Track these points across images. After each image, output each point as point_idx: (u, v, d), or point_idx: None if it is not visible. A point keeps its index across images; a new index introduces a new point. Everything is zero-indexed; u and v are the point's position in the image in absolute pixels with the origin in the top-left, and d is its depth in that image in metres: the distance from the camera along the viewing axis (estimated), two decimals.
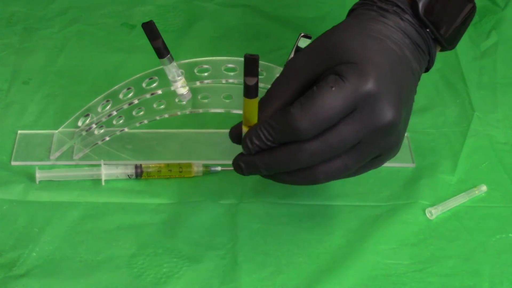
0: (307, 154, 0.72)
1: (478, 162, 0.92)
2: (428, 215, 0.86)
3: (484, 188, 0.88)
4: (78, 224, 0.83)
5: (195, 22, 1.08)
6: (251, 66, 0.70)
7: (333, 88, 0.71)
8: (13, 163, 0.89)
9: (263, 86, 0.84)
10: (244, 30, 1.07)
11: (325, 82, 0.72)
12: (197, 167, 0.88)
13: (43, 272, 0.79)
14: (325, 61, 0.75)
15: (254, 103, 0.73)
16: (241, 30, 1.07)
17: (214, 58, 0.86)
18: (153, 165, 0.88)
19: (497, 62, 1.04)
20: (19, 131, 0.92)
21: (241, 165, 0.75)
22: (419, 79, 0.79)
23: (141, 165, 0.88)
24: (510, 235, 0.85)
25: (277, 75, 0.85)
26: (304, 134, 0.72)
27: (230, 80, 0.86)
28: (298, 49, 0.83)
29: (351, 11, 0.81)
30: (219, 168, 0.89)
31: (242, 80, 0.85)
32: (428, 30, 0.79)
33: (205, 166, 0.89)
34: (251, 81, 0.71)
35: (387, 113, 0.73)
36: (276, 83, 0.77)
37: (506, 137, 0.95)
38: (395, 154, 0.77)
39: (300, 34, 0.83)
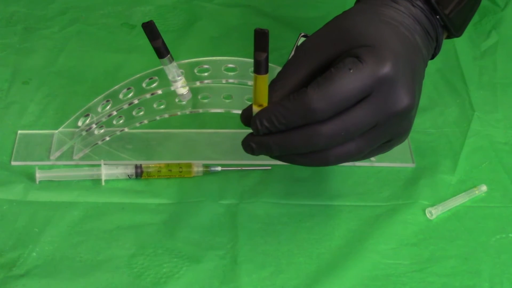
0: (323, 137, 0.72)
1: (478, 162, 0.92)
2: (428, 215, 0.86)
3: (484, 188, 0.88)
4: (78, 224, 0.83)
5: (195, 22, 1.08)
6: (261, 40, 0.69)
7: (351, 70, 0.72)
8: (13, 163, 0.89)
9: None
10: (244, 30, 1.07)
11: (343, 63, 0.72)
12: (197, 167, 0.88)
13: (43, 272, 0.79)
14: (340, 44, 0.75)
15: (264, 79, 0.72)
16: (241, 30, 1.07)
17: (214, 58, 0.86)
18: (153, 165, 0.88)
19: (497, 62, 1.04)
20: (19, 131, 0.92)
21: (252, 145, 0.75)
22: (426, 65, 0.80)
23: (141, 165, 0.88)
24: (510, 235, 0.85)
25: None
26: (319, 115, 0.71)
27: (230, 80, 0.86)
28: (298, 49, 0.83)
29: None
30: (219, 168, 0.89)
31: (242, 80, 0.85)
32: (438, 17, 0.79)
33: (205, 166, 0.89)
34: (261, 56, 0.70)
35: (404, 98, 0.73)
36: (288, 65, 0.77)
37: (506, 137, 0.95)
38: (404, 139, 0.78)
39: (300, 34, 0.83)
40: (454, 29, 0.81)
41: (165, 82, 0.85)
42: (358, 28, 0.75)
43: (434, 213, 0.85)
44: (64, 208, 0.85)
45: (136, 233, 0.83)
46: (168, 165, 0.88)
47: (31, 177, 0.87)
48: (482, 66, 1.03)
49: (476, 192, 0.88)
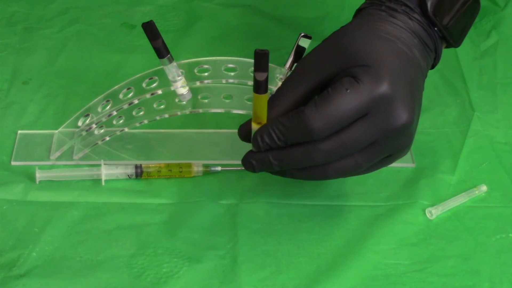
0: (322, 153, 0.74)
1: (478, 162, 0.92)
2: (428, 215, 0.86)
3: (484, 188, 0.88)
4: (78, 224, 0.83)
5: (195, 22, 1.08)
6: (261, 61, 0.71)
7: (348, 90, 0.72)
8: (13, 163, 0.89)
9: None
10: (244, 30, 1.07)
11: (340, 84, 0.73)
12: (197, 167, 0.88)
13: (43, 272, 0.79)
14: (337, 63, 0.75)
15: (264, 99, 0.73)
16: (241, 30, 1.07)
17: (214, 58, 0.86)
18: (153, 165, 0.88)
19: (497, 62, 1.04)
20: (19, 131, 0.92)
21: (253, 163, 0.76)
22: (426, 77, 0.80)
23: (141, 165, 0.88)
24: (510, 235, 0.85)
25: (277, 75, 0.85)
26: (317, 135, 0.73)
27: (230, 80, 0.86)
28: (298, 49, 0.83)
29: (359, 10, 0.81)
30: (219, 168, 0.89)
31: (242, 80, 0.85)
32: (436, 28, 0.79)
33: (205, 166, 0.89)
34: (261, 76, 0.71)
35: (402, 116, 0.74)
36: (287, 82, 0.78)
37: (506, 137, 0.95)
38: (405, 154, 0.78)
39: (300, 34, 0.83)
40: (452, 40, 0.81)
41: (165, 82, 0.85)
42: (355, 46, 0.75)
43: (434, 213, 0.85)
44: (64, 208, 0.85)
45: (136, 233, 0.83)
46: (168, 165, 0.88)
47: (31, 177, 0.87)
48: (482, 66, 1.03)
49: (476, 192, 0.88)
